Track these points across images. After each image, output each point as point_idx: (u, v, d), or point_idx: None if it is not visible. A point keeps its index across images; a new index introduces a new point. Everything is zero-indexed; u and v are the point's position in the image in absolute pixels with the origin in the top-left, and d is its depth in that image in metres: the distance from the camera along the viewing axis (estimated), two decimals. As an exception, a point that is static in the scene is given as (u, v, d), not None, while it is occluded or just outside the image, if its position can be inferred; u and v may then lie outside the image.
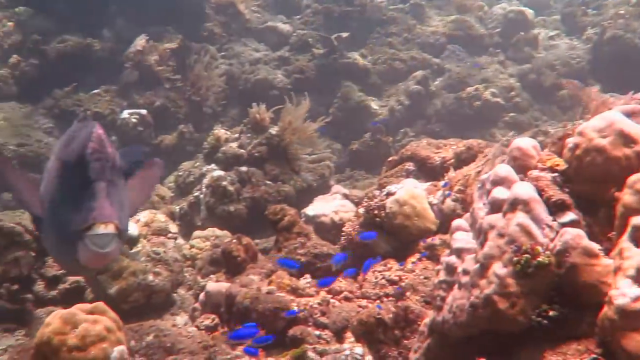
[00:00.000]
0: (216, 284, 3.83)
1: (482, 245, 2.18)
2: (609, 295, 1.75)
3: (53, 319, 2.57)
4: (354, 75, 9.17)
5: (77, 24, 8.43)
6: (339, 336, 3.15)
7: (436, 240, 3.50)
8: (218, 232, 5.12)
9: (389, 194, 3.80)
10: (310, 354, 2.88)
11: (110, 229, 2.71)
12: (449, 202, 3.63)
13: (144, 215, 5.25)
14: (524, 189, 2.13)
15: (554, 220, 2.09)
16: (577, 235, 1.97)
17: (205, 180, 5.91)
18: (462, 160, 4.11)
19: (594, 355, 1.80)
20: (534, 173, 2.28)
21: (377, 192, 3.94)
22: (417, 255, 3.50)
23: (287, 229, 4.17)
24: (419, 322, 2.75)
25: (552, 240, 2.02)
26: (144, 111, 7.61)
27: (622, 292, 1.71)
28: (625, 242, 1.82)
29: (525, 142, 2.41)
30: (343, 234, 4.11)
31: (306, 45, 9.94)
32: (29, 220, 6.03)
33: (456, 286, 2.26)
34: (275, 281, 3.58)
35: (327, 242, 4.24)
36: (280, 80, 9.11)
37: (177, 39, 8.47)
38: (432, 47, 10.14)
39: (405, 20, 10.48)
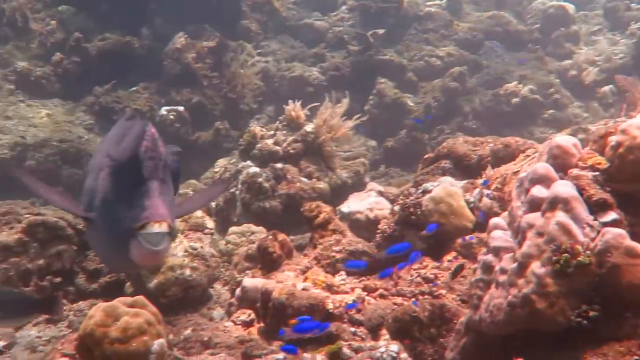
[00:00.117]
0: (252, 280, 3.87)
1: (520, 244, 2.16)
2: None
3: (96, 312, 2.62)
4: (390, 72, 9.13)
5: (117, 22, 8.60)
6: (374, 333, 3.15)
7: (473, 238, 3.47)
8: (254, 228, 5.16)
9: (425, 192, 3.77)
10: (346, 350, 2.89)
11: (163, 227, 2.76)
12: (486, 201, 3.59)
13: (181, 211, 5.32)
14: (564, 188, 2.10)
15: (595, 219, 2.06)
16: (619, 235, 1.93)
17: (241, 177, 5.96)
18: (499, 158, 4.05)
19: (637, 357, 1.76)
20: (575, 171, 2.25)
21: (412, 190, 3.92)
22: (454, 254, 3.47)
23: (323, 226, 4.18)
24: (455, 321, 2.73)
25: (592, 239, 1.99)
26: (181, 108, 7.72)
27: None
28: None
29: (565, 140, 2.37)
30: (378, 231, 4.11)
31: (342, 42, 9.94)
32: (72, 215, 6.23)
33: (493, 285, 2.24)
34: (310, 278, 3.60)
35: (362, 239, 4.23)
36: (315, 77, 9.14)
37: (215, 36, 8.56)
38: (469, 44, 10.02)
39: (442, 16, 10.38)
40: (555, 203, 2.08)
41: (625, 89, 6.45)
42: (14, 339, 3.90)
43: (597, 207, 2.09)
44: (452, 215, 3.59)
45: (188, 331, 3.35)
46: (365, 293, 3.48)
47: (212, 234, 5.47)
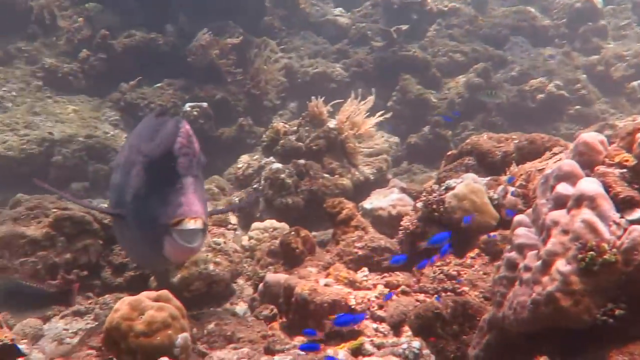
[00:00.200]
0: (275, 275, 3.88)
1: (545, 241, 2.14)
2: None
3: (121, 305, 2.66)
4: (413, 67, 9.08)
5: (142, 19, 8.69)
6: (396, 330, 3.14)
7: (496, 236, 3.44)
8: (276, 224, 5.18)
9: (448, 189, 3.75)
10: (368, 346, 2.89)
11: (198, 224, 2.78)
12: (510, 198, 3.55)
13: (204, 207, 5.36)
14: (590, 185, 2.07)
15: (622, 217, 2.03)
16: (646, 233, 1.90)
17: (264, 173, 5.99)
18: (524, 154, 4.01)
19: (664, 357, 1.74)
20: (601, 169, 2.22)
21: (435, 187, 3.90)
22: (477, 251, 3.45)
23: (345, 222, 4.18)
24: (478, 318, 2.72)
25: (619, 237, 1.97)
26: (205, 104, 7.77)
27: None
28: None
29: (591, 137, 2.34)
30: (401, 228, 4.09)
31: (365, 38, 9.92)
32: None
33: (517, 282, 2.23)
34: (333, 274, 3.61)
35: (384, 235, 4.23)
36: (338, 73, 9.14)
37: (238, 33, 8.60)
38: (494, 39, 9.93)
39: (467, 11, 10.29)
40: (581, 200, 2.06)
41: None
42: (42, 331, 3.98)
43: (623, 205, 2.06)
44: (475, 212, 3.56)
45: (211, 325, 3.38)
46: (388, 289, 3.47)
47: (235, 229, 5.51)
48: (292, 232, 4.20)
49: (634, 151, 2.20)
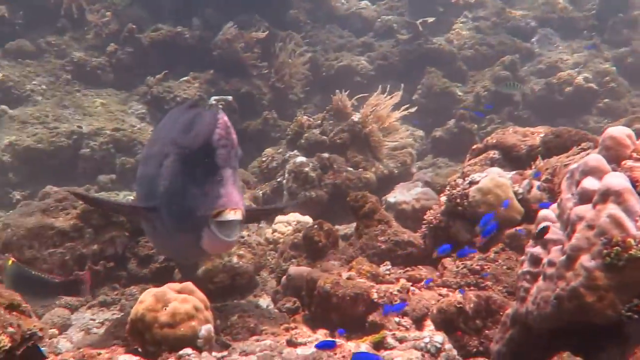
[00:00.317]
0: (298, 268, 3.90)
1: (569, 236, 2.11)
2: None
3: (146, 297, 2.70)
4: (439, 60, 9.02)
5: (169, 13, 8.77)
6: (419, 324, 3.14)
7: (522, 230, 3.41)
8: (300, 217, 5.20)
9: (472, 183, 3.72)
10: (390, 339, 2.89)
11: (238, 215, 2.78)
12: (535, 192, 3.51)
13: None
14: (616, 180, 2.04)
15: (649, 212, 1.99)
16: (673, 229, 1.87)
17: (288, 166, 6.01)
18: (550, 148, 3.95)
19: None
20: (628, 163, 2.19)
21: (460, 181, 3.87)
22: (501, 245, 3.42)
23: (368, 215, 4.18)
24: (501, 313, 2.70)
25: (646, 233, 1.93)
26: (230, 98, 7.81)
27: None
28: None
29: (618, 131, 2.30)
30: (424, 222, 4.08)
31: (390, 31, 9.88)
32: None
33: (541, 278, 2.21)
34: (355, 267, 3.61)
35: (407, 229, 4.22)
36: (363, 66, 9.11)
37: (264, 26, 8.62)
38: (522, 31, 9.80)
39: (494, 3, 10.18)
40: (607, 195, 2.03)
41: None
42: (70, 321, 4.06)
43: (651, 200, 2.02)
44: (500, 207, 3.53)
45: (235, 317, 3.40)
46: (410, 284, 3.46)
47: (259, 222, 5.55)
48: (315, 226, 4.21)
49: (663, 145, 2.16)
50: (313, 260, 4.09)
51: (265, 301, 4.16)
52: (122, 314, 3.99)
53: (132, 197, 6.58)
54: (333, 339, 2.54)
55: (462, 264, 3.39)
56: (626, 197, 1.99)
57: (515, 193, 3.60)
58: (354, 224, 4.45)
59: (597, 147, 2.40)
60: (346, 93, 6.38)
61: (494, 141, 4.43)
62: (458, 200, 3.73)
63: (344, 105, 6.31)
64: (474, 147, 4.72)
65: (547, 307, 2.09)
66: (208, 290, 3.68)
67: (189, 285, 2.83)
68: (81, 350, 2.67)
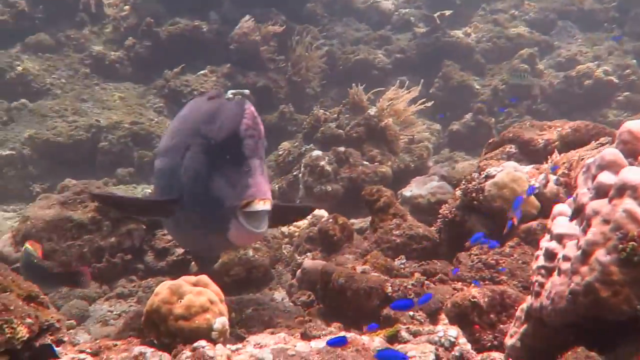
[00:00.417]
0: (312, 262, 3.91)
1: (585, 231, 2.09)
2: None
3: (162, 289, 2.72)
4: (456, 54, 8.97)
5: (187, 6, 8.80)
6: (433, 318, 3.13)
7: (537, 224, 3.38)
8: (316, 211, 5.20)
9: (487, 177, 3.70)
10: (404, 333, 2.89)
11: (267, 205, 2.75)
12: (551, 186, 3.48)
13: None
14: (633, 174, 2.01)
15: (666, 207, 1.97)
16: (690, 224, 1.85)
17: (304, 160, 6.02)
18: (567, 142, 3.92)
19: None
20: (646, 157, 2.16)
21: (475, 175, 3.85)
22: (516, 240, 3.40)
23: (383, 209, 4.18)
24: (516, 307, 2.68)
25: (662, 228, 1.91)
26: (246, 91, 7.83)
27: None
28: None
29: (636, 125, 2.27)
30: (439, 216, 4.07)
31: (408, 24, 9.83)
32: (141, 195, 6.45)
33: (555, 272, 2.19)
34: (370, 261, 3.61)
35: (423, 223, 4.21)
36: (380, 60, 9.08)
37: (281, 20, 8.62)
38: (540, 24, 9.69)
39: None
40: (623, 190, 2.00)
41: None
42: (88, 312, 4.11)
43: (668, 195, 1.99)
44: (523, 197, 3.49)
45: (249, 310, 3.42)
46: (425, 277, 3.46)
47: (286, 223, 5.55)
48: (330, 220, 4.22)
49: (681, 139, 2.13)
50: (328, 254, 4.11)
51: (280, 294, 4.18)
52: (139, 306, 4.03)
53: (149, 191, 6.63)
54: (344, 335, 2.53)
55: (477, 258, 3.38)
56: (643, 191, 1.97)
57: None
58: (370, 218, 4.46)
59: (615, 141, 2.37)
60: (362, 87, 6.37)
61: (511, 135, 4.40)
62: (473, 195, 3.71)
63: (360, 99, 6.30)
64: (490, 141, 4.70)
65: (562, 302, 2.08)
66: (224, 283, 3.71)
67: (204, 278, 2.84)
68: (98, 341, 2.71)
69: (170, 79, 8.17)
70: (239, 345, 2.69)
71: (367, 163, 5.91)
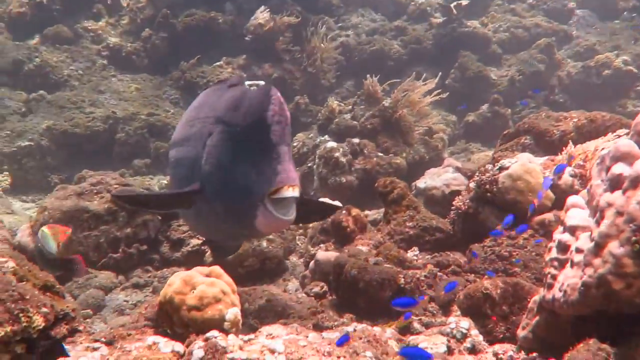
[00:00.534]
0: (325, 253, 3.92)
1: (598, 223, 2.08)
2: None
3: (175, 280, 2.74)
4: (473, 44, 8.88)
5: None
6: (445, 309, 3.13)
7: (550, 216, 3.36)
8: (330, 202, 5.20)
9: (502, 169, 3.67)
10: (416, 325, 2.89)
11: (296, 192, 2.70)
12: (566, 178, 3.45)
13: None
14: (647, 166, 1.99)
15: (680, 199, 1.94)
16: None
17: (319, 151, 6.02)
18: (583, 133, 3.88)
19: None
20: (661, 149, 2.13)
21: (489, 167, 3.82)
22: (530, 232, 3.37)
23: (396, 201, 4.17)
24: (529, 299, 2.67)
25: (676, 220, 1.89)
26: (262, 83, 7.82)
27: None
28: None
29: (652, 116, 2.24)
30: (453, 207, 4.05)
31: (424, 15, 9.76)
32: (157, 186, 6.50)
33: (568, 264, 2.18)
34: (383, 252, 3.61)
35: (437, 215, 4.19)
36: (396, 50, 9.03)
37: (296, 11, 8.60)
38: (559, 14, 9.57)
39: (530, -15, 9.97)
40: (637, 181, 1.98)
41: None
42: (104, 302, 4.17)
43: (683, 187, 1.97)
44: (530, 193, 3.48)
45: (262, 301, 3.44)
46: (438, 269, 3.45)
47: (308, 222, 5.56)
48: (344, 211, 4.22)
49: (697, 130, 2.10)
50: (341, 245, 4.11)
51: (293, 285, 4.19)
52: (154, 296, 4.07)
53: (165, 182, 6.68)
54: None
55: (491, 250, 3.36)
56: (657, 183, 1.94)
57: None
58: (383, 210, 4.45)
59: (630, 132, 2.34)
60: (377, 78, 6.34)
61: (526, 126, 4.36)
62: (487, 186, 3.69)
63: (375, 90, 6.28)
64: (506, 132, 4.66)
65: (574, 294, 2.07)
66: (238, 274, 3.72)
67: (217, 269, 2.85)
68: (112, 330, 2.75)
69: (186, 71, 8.20)
70: (252, 336, 2.70)
71: (381, 154, 5.90)
